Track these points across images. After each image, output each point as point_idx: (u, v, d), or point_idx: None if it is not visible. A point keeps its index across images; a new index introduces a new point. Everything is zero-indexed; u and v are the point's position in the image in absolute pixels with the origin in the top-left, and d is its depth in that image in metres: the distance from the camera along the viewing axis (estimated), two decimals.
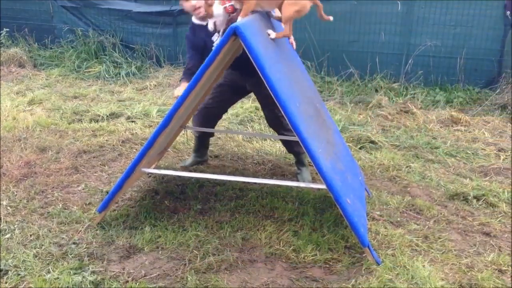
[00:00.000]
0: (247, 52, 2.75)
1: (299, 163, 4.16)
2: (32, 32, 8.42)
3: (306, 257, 3.04)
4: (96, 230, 3.29)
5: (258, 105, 5.96)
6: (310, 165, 4.26)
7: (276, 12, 3.35)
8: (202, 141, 4.32)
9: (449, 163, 4.59)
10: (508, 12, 6.37)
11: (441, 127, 5.62)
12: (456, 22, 6.62)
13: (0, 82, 6.96)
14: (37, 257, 2.98)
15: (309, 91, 3.59)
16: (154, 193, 3.81)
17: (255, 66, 2.75)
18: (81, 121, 5.46)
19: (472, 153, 4.82)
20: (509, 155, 4.80)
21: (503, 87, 6.40)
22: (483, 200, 3.86)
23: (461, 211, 3.72)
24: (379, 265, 2.95)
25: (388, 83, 6.79)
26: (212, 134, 4.39)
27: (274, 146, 4.83)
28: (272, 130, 4.24)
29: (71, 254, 3.01)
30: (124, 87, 7.01)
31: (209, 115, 4.08)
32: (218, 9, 3.20)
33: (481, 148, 4.96)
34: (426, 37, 6.71)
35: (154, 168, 3.81)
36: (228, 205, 3.64)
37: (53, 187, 3.88)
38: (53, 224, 3.34)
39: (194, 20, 3.79)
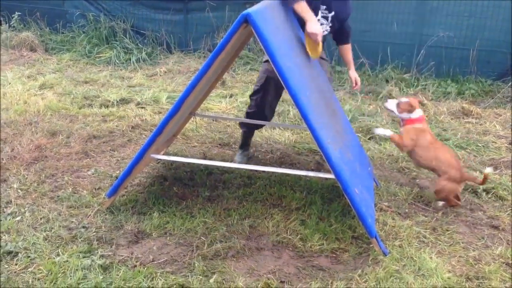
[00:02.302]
0: (258, 39, 2.74)
1: None
2: (44, 16, 8.42)
3: (313, 246, 3.05)
4: (105, 214, 3.32)
5: None
6: (319, 154, 4.26)
7: None
8: (250, 135, 4.29)
9: (459, 155, 4.56)
10: None
11: (452, 119, 5.57)
12: (469, 13, 6.53)
13: (7, 68, 6.99)
14: (47, 240, 3.01)
15: (320, 81, 3.58)
16: (163, 179, 3.83)
17: (266, 54, 2.74)
18: (92, 106, 5.49)
19: (483, 146, 4.78)
20: None
21: None
22: (493, 193, 3.84)
23: (470, 204, 3.71)
24: (386, 256, 2.95)
25: (399, 74, 6.74)
26: (260, 126, 4.32)
27: (283, 135, 4.83)
28: (281, 119, 4.21)
29: (80, 238, 3.05)
30: (135, 73, 7.02)
31: (264, 104, 3.97)
32: None
33: (492, 141, 4.92)
34: (439, 27, 6.63)
35: (163, 155, 3.82)
36: (236, 193, 3.66)
37: (63, 171, 3.92)
38: (63, 208, 3.38)
39: None
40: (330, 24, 3.76)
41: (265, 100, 3.91)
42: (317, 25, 3.30)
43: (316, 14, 3.62)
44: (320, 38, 3.30)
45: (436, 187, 3.59)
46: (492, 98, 6.17)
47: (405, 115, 3.68)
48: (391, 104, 3.75)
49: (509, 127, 5.36)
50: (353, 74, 4.01)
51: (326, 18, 3.73)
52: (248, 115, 4.06)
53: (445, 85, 6.53)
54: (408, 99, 3.70)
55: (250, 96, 4.05)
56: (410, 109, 3.66)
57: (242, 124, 4.23)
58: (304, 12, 3.34)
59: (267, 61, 3.80)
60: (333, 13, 3.71)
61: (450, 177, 3.53)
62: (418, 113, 3.68)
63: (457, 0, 6.53)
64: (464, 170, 3.77)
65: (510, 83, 6.35)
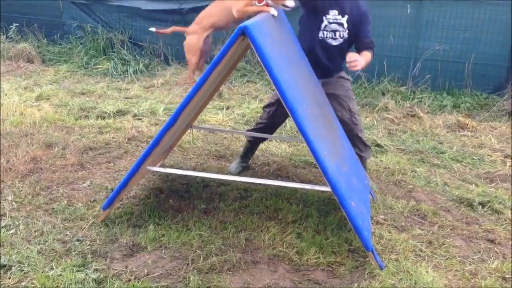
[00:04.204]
0: (255, 52, 2.75)
1: None
2: (42, 28, 8.45)
3: (309, 260, 3.04)
4: (100, 227, 3.30)
5: None
6: (315, 167, 4.26)
7: None
8: (254, 147, 4.32)
9: (455, 168, 4.57)
10: None
11: (447, 132, 5.59)
12: (465, 27, 6.59)
13: (3, 79, 6.98)
14: (41, 253, 2.99)
15: (317, 93, 3.59)
16: (159, 192, 3.82)
17: (263, 66, 2.75)
18: (88, 118, 5.48)
19: (478, 159, 4.80)
20: None
21: (511, 93, 6.36)
22: (488, 207, 3.84)
23: (466, 217, 3.70)
24: (382, 269, 2.94)
25: (395, 87, 6.77)
26: (265, 139, 4.36)
27: (279, 147, 4.83)
28: (277, 132, 4.21)
29: (74, 251, 3.02)
30: (132, 84, 7.03)
31: (276, 118, 4.02)
32: None
33: (488, 154, 4.93)
34: (435, 41, 6.68)
35: (159, 167, 3.81)
36: (232, 206, 3.64)
37: (58, 183, 3.90)
38: (57, 221, 3.36)
39: None
40: (347, 31, 3.65)
41: (278, 114, 3.94)
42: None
43: (321, 20, 3.62)
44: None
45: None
46: (488, 112, 6.20)
47: None
48: None
49: (505, 140, 5.37)
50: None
51: (340, 24, 3.63)
52: (258, 125, 4.11)
53: (441, 98, 6.57)
54: None
55: (264, 107, 4.09)
56: None
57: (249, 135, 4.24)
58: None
59: None
60: (346, 16, 3.62)
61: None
62: None
63: (452, 13, 6.59)
64: None
65: (505, 97, 6.38)
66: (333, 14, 3.62)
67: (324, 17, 3.63)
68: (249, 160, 4.37)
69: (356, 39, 3.73)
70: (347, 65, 3.52)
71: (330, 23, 3.64)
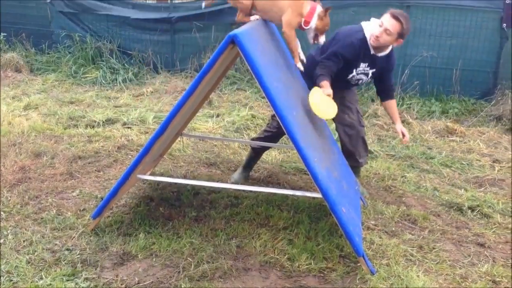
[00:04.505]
0: (245, 60, 2.76)
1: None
2: (30, 37, 8.41)
3: (300, 266, 3.03)
4: (90, 236, 3.27)
5: (255, 113, 6.01)
6: (306, 173, 4.27)
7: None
8: (258, 156, 4.30)
9: (444, 173, 4.60)
10: (504, 25, 6.43)
11: (436, 137, 5.64)
12: (452, 34, 6.68)
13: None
14: (30, 263, 2.96)
15: (306, 100, 3.60)
16: (149, 200, 3.80)
17: (252, 75, 2.76)
18: (77, 127, 5.45)
19: (467, 164, 4.84)
20: (503, 166, 4.82)
21: (499, 98, 6.44)
22: (478, 211, 3.87)
23: (455, 222, 3.73)
24: (373, 274, 2.94)
25: None
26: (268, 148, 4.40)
27: (270, 154, 4.83)
28: None
29: (64, 261, 2.99)
30: (121, 93, 7.01)
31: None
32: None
33: (476, 159, 4.98)
34: (423, 48, 6.75)
35: (149, 175, 3.80)
36: (223, 213, 3.63)
37: (47, 193, 3.87)
38: (46, 230, 3.32)
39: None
40: (371, 79, 3.86)
41: None
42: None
43: (351, 71, 3.72)
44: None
45: None
46: (476, 117, 6.27)
47: None
48: None
49: (493, 145, 5.43)
50: (400, 127, 3.92)
51: (366, 74, 3.78)
52: (264, 132, 4.10)
53: (430, 104, 6.63)
54: None
55: (273, 116, 3.99)
56: None
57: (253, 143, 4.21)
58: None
59: None
60: (374, 69, 3.76)
61: None
62: None
63: (439, 21, 6.67)
64: None
65: (493, 102, 6.46)
66: (363, 67, 3.73)
67: (354, 69, 3.73)
68: (251, 170, 4.33)
69: (379, 81, 3.94)
70: (403, 141, 3.96)
71: (358, 73, 3.76)
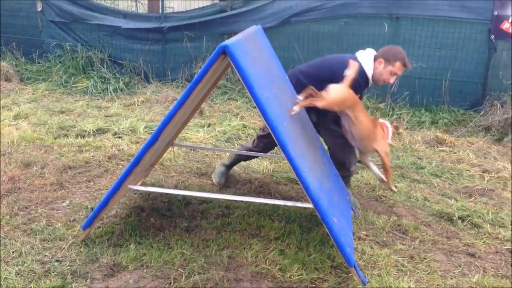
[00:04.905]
0: (236, 70, 2.77)
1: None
2: (20, 46, 8.37)
3: (292, 277, 3.03)
4: (80, 247, 3.24)
5: (246, 123, 6.02)
6: (297, 183, 4.27)
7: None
8: (241, 160, 4.43)
9: (434, 183, 4.63)
10: (492, 36, 6.51)
11: (426, 147, 5.68)
12: (441, 45, 6.75)
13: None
14: (19, 275, 2.92)
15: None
16: (140, 210, 3.78)
17: (244, 85, 2.77)
18: (67, 136, 5.42)
19: (457, 174, 4.87)
20: (493, 176, 4.86)
21: (487, 109, 6.51)
22: (468, 221, 3.89)
23: (446, 232, 3.75)
24: (365, 285, 2.94)
25: (374, 103, 6.87)
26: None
27: (261, 164, 4.84)
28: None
29: (54, 272, 2.96)
30: (112, 102, 6.99)
31: (271, 145, 4.17)
32: None
33: (466, 169, 5.01)
34: (412, 58, 6.76)
35: (140, 185, 3.78)
36: (214, 223, 3.62)
37: (37, 203, 3.83)
38: (36, 241, 3.29)
39: None
40: None
41: (273, 142, 3.97)
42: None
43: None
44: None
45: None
46: (465, 127, 6.33)
47: None
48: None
49: (482, 155, 5.47)
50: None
51: None
52: (252, 150, 4.22)
53: (419, 114, 6.68)
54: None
55: (260, 137, 4.19)
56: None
57: (254, 143, 4.27)
58: None
59: None
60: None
61: None
62: None
63: (429, 32, 6.74)
64: None
65: (482, 112, 6.52)
66: None
67: None
68: (230, 170, 4.49)
69: None
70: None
71: None
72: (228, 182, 4.37)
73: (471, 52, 6.68)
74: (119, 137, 5.47)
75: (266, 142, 4.11)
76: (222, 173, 4.37)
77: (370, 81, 3.82)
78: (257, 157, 4.50)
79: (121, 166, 4.64)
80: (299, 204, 3.34)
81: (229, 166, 4.44)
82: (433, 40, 6.76)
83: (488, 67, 6.66)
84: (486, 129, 6.22)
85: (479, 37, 6.61)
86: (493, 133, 6.12)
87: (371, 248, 3.41)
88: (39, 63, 8.27)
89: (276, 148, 5.17)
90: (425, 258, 3.34)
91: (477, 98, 6.76)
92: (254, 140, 4.25)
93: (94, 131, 5.56)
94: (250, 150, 4.24)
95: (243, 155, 4.32)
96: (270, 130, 2.82)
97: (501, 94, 6.49)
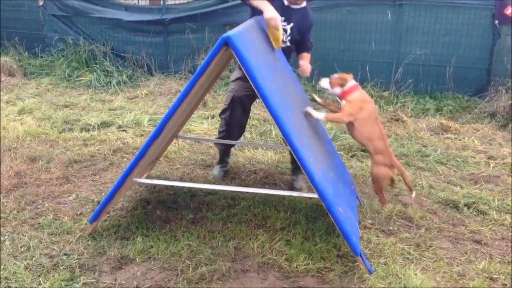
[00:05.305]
0: (238, 62, 2.76)
1: (297, 170, 4.13)
2: (23, 41, 8.38)
3: (298, 266, 3.04)
4: (88, 240, 3.26)
5: (250, 114, 6.00)
6: (302, 173, 4.27)
7: None
8: (227, 151, 4.40)
9: (440, 171, 4.62)
10: (496, 21, 6.46)
11: (431, 135, 5.66)
12: (445, 31, 6.70)
13: None
14: (28, 269, 2.95)
15: (301, 101, 3.61)
16: (146, 203, 3.80)
17: (247, 76, 2.76)
18: (72, 130, 5.44)
19: (462, 161, 4.86)
20: (498, 162, 4.84)
21: (492, 95, 6.47)
22: (474, 208, 3.89)
23: (452, 219, 3.74)
24: (371, 273, 2.96)
25: (378, 92, 6.84)
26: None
27: (265, 155, 4.84)
28: (263, 139, 4.24)
29: (62, 266, 2.99)
30: (115, 95, 6.99)
31: (233, 122, 4.08)
32: None
33: (471, 156, 5.00)
34: (416, 45, 6.77)
35: (145, 178, 3.79)
36: (220, 215, 3.64)
37: (43, 198, 3.86)
38: (43, 235, 3.32)
39: None
40: (289, 37, 3.79)
41: (233, 118, 4.03)
42: (273, 11, 3.25)
43: None
44: (279, 23, 3.26)
45: (372, 176, 3.62)
46: (470, 114, 6.30)
47: (337, 90, 3.56)
48: (324, 82, 3.61)
49: (487, 142, 5.45)
50: (303, 62, 3.87)
51: (284, 30, 3.73)
52: (220, 133, 4.19)
53: (424, 102, 6.65)
54: (338, 75, 3.61)
55: (220, 114, 4.20)
56: (342, 83, 3.52)
57: (217, 143, 4.33)
58: (260, 4, 3.32)
59: (234, 80, 3.99)
60: (291, 24, 3.74)
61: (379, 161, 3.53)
62: (350, 83, 3.53)
63: (432, 18, 6.69)
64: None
65: (486, 99, 6.49)
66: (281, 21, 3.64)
67: None
68: (228, 164, 4.45)
69: (299, 44, 3.91)
70: (300, 72, 3.89)
71: None
72: (231, 173, 4.38)
73: (475, 37, 6.63)
74: (124, 130, 5.48)
75: (224, 117, 4.07)
76: (218, 172, 4.35)
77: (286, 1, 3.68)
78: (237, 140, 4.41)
79: (126, 159, 4.65)
80: (304, 194, 3.35)
81: (221, 162, 4.40)
82: (436, 26, 6.71)
83: (493, 53, 6.61)
84: (491, 116, 6.20)
85: (483, 22, 6.56)
86: (498, 119, 6.09)
87: (377, 236, 3.42)
88: (42, 57, 8.29)
89: (280, 139, 5.18)
90: (431, 246, 3.34)
91: (482, 84, 6.72)
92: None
93: (98, 125, 5.57)
94: (219, 133, 4.19)
95: (226, 144, 4.27)
96: (274, 121, 2.81)
97: (505, 80, 6.46)
